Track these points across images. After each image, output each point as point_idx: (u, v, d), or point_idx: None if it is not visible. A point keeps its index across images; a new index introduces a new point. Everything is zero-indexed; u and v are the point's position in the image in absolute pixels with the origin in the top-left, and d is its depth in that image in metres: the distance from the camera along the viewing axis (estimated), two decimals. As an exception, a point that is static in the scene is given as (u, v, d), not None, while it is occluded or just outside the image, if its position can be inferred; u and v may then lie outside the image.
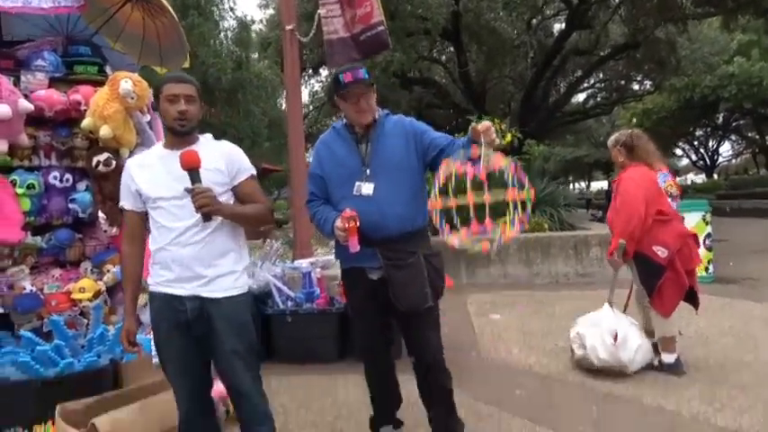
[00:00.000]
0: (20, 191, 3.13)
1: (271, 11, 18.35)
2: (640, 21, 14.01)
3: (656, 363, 3.67)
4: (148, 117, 3.62)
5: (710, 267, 6.84)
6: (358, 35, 5.25)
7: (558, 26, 18.83)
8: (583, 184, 48.48)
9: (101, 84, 3.34)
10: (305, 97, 20.25)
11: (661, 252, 3.53)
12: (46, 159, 3.35)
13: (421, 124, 2.50)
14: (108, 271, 3.41)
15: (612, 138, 3.95)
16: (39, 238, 3.29)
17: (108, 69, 3.64)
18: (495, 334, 4.73)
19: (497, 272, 7.40)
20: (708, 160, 36.35)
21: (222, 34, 14.66)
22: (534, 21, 17.18)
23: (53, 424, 2.57)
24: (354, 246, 2.22)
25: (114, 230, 3.45)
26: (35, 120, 3.20)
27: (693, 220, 6.77)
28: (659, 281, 3.55)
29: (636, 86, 22.35)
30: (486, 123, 2.04)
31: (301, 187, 5.38)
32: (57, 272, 3.35)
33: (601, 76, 22.04)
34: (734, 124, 29.31)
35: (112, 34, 3.96)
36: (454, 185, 2.01)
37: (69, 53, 3.61)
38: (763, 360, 3.69)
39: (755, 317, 4.87)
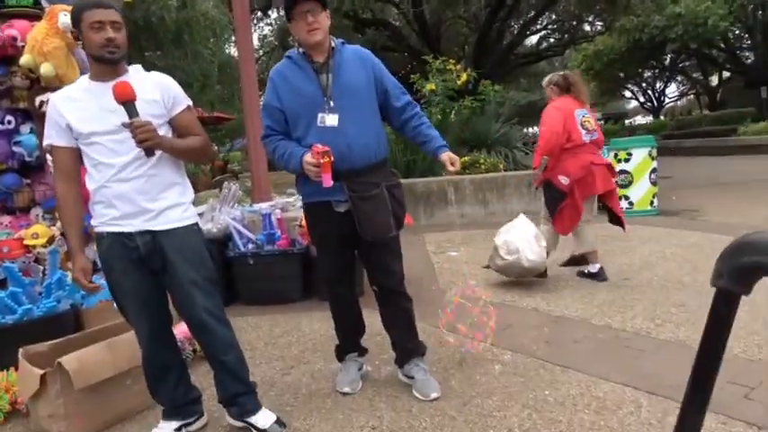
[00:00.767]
0: (-43, 134, 2.98)
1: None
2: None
3: (586, 272, 4.28)
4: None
5: (655, 201, 7.18)
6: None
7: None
8: (536, 129, 49.16)
9: (37, 18, 3.14)
10: (255, 41, 19.44)
11: (564, 180, 4.07)
12: (-18, 101, 3.18)
13: (379, 62, 2.48)
14: (61, 216, 3.32)
15: (547, 78, 4.43)
16: (-18, 184, 3.16)
17: (44, 2, 3.40)
18: (454, 269, 4.90)
19: (455, 212, 7.55)
20: (655, 102, 37.43)
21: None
22: (488, -41, 16.91)
23: (16, 370, 2.54)
24: (328, 181, 2.19)
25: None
26: (-34, 58, 3.01)
27: (640, 155, 7.07)
28: (560, 205, 4.12)
29: (587, 27, 22.59)
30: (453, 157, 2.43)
31: (257, 132, 5.26)
32: (6, 219, 3.25)
33: (554, 17, 22.09)
34: (680, 65, 30.12)
35: (45, -36, 3.69)
36: None
37: (-2, -16, 3.35)
38: (700, 281, 3.98)
39: (693, 244, 5.21)
